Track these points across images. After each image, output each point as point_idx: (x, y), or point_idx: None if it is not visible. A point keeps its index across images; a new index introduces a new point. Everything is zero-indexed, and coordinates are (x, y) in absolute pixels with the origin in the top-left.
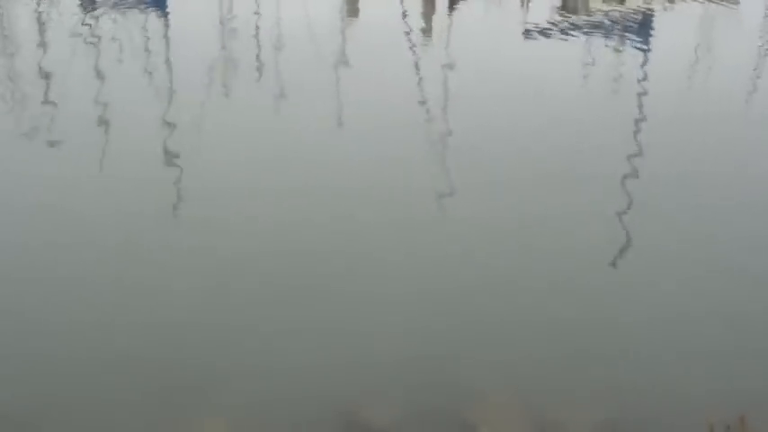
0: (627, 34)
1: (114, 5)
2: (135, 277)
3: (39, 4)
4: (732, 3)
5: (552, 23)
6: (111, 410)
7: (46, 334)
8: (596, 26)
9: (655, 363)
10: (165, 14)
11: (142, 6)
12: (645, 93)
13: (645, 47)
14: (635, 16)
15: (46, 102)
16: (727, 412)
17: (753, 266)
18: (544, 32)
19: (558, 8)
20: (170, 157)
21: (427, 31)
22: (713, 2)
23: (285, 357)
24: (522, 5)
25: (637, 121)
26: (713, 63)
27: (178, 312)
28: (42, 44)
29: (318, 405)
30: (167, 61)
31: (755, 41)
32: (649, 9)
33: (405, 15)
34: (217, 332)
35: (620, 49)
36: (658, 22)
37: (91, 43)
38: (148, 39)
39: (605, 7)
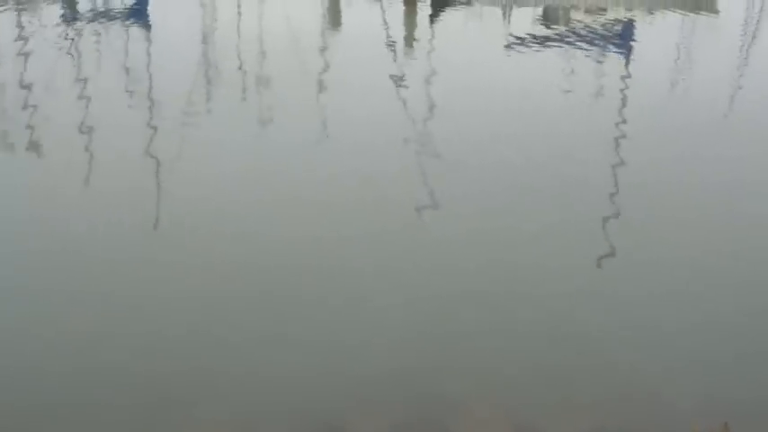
0: (608, 45)
1: (96, 17)
2: (117, 290)
3: (20, 16)
4: (712, 12)
5: (534, 34)
6: (96, 423)
7: (29, 346)
8: (578, 37)
9: (638, 372)
10: (147, 26)
11: (124, 18)
12: (626, 103)
13: (626, 57)
14: (616, 27)
15: (25, 114)
16: (710, 420)
17: (735, 275)
18: (526, 43)
19: (539, 19)
20: (152, 169)
21: (409, 42)
22: (694, 12)
23: (270, 371)
24: (504, 17)
25: (619, 132)
26: (694, 72)
27: (162, 325)
28: (23, 56)
29: (303, 419)
30: (149, 73)
31: (736, 50)
32: (630, 19)
33: (387, 27)
34: (200, 345)
35: (602, 59)
36: (640, 32)
37: (72, 55)
38: (130, 51)
39: (587, 18)
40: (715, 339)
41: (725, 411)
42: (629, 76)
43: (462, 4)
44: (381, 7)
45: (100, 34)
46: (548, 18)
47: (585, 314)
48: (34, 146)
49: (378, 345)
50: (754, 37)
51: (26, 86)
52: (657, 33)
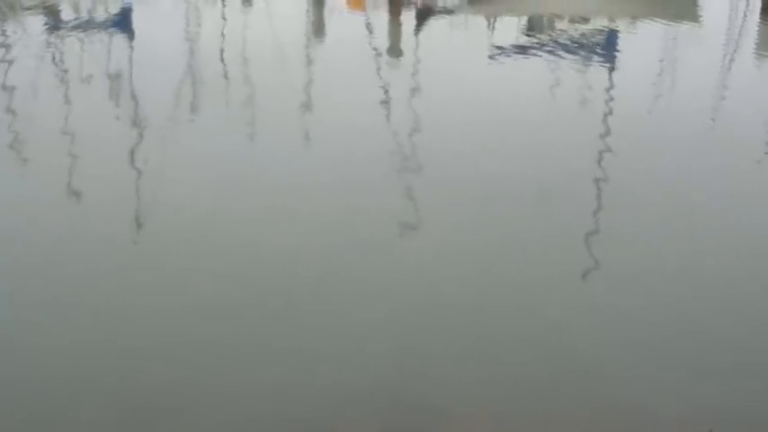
0: (592, 54)
1: (79, 27)
2: (99, 299)
3: (2, 26)
4: (694, 21)
5: (518, 44)
6: None
7: (13, 357)
8: (562, 46)
9: (623, 381)
10: (131, 36)
11: (107, 28)
12: (610, 113)
13: (610, 66)
14: (600, 36)
15: (7, 122)
16: (696, 429)
17: (721, 285)
18: (510, 53)
19: (523, 29)
20: (135, 179)
21: (394, 52)
22: (676, 21)
23: (255, 380)
24: (488, 26)
25: (602, 142)
26: (677, 82)
27: (146, 334)
28: (6, 64)
29: (289, 428)
30: (132, 83)
31: (719, 60)
32: (613, 28)
33: (371, 35)
34: (184, 355)
35: (586, 68)
36: (623, 42)
37: (55, 64)
38: (113, 60)
39: (570, 27)
40: (700, 348)
41: (710, 420)
42: (612, 85)
43: (446, 13)
44: (366, 18)
45: (83, 43)
46: (532, 28)
47: (569, 325)
48: (16, 154)
49: (363, 354)
50: (736, 46)
51: (7, 94)
52: (640, 43)
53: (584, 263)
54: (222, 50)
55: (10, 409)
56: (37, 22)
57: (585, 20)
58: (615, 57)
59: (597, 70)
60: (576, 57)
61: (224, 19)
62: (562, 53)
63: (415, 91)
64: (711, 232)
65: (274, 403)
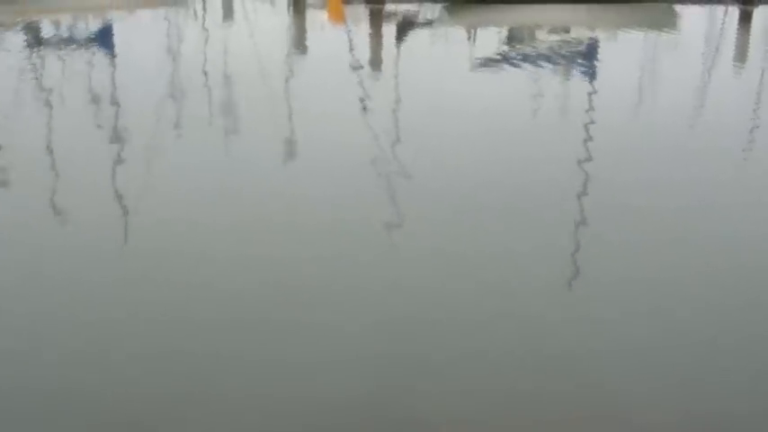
0: (572, 63)
1: (60, 44)
2: (87, 314)
3: None
4: (674, 29)
5: (500, 55)
6: None
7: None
8: (542, 56)
9: (614, 391)
10: (112, 53)
11: (88, 46)
12: (591, 122)
13: (591, 75)
14: (580, 46)
15: None
16: None
17: (708, 294)
18: (491, 63)
19: (504, 40)
20: (118, 194)
21: (375, 64)
22: (655, 30)
23: (236, 391)
24: (470, 38)
25: (584, 151)
26: (657, 89)
27: (128, 347)
28: None
29: None
30: (114, 100)
31: (697, 67)
32: (593, 38)
33: (352, 48)
34: (166, 368)
35: (567, 77)
36: (603, 51)
37: (37, 82)
38: (94, 76)
39: (551, 37)
40: (687, 357)
41: (697, 428)
42: (592, 94)
43: (427, 25)
44: (347, 30)
45: (64, 61)
46: (513, 38)
47: (556, 334)
48: None
49: (348, 366)
50: (715, 53)
51: None
52: (620, 51)
53: (568, 272)
54: (204, 65)
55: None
56: (17, 39)
57: (566, 30)
58: (595, 66)
59: (578, 80)
60: (557, 66)
61: (206, 34)
62: (543, 63)
63: (396, 102)
64: (694, 240)
65: (259, 416)
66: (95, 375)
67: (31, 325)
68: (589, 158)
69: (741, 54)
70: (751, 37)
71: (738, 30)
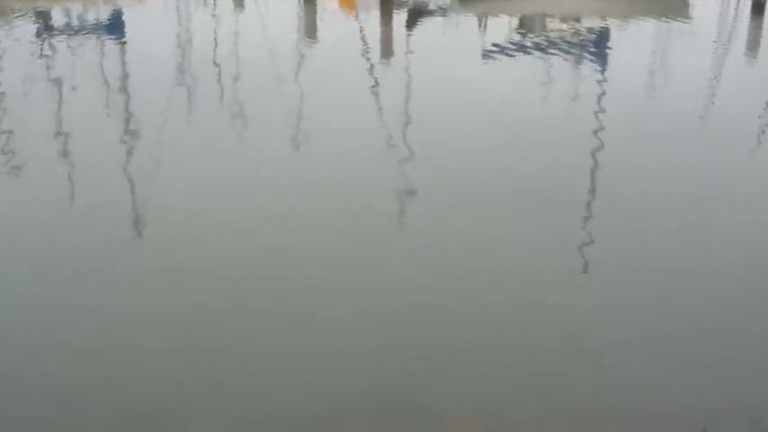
0: (583, 52)
1: (71, 32)
2: (97, 301)
3: None
4: (685, 19)
5: (510, 43)
6: None
7: (9, 358)
8: (553, 45)
9: (617, 380)
10: (122, 40)
11: (99, 33)
12: (602, 110)
13: (601, 64)
14: (591, 35)
15: (2, 128)
16: (689, 427)
17: (715, 282)
18: (502, 52)
19: (515, 28)
20: (129, 181)
21: (386, 52)
22: (667, 19)
23: (246, 381)
24: (480, 26)
25: (595, 139)
26: (669, 79)
27: (143, 336)
28: None
29: (285, 426)
30: (125, 87)
31: (709, 56)
32: (605, 27)
33: (363, 36)
34: (177, 357)
35: (577, 66)
36: (614, 40)
37: (48, 69)
38: (105, 65)
39: (562, 26)
40: (693, 345)
41: (704, 416)
42: (603, 83)
43: (438, 13)
44: (357, 18)
45: (74, 48)
46: (524, 27)
47: (563, 323)
48: (10, 159)
49: (355, 354)
50: (726, 43)
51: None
52: (631, 41)
53: (577, 260)
54: (214, 53)
55: (10, 411)
56: (28, 27)
57: (577, 19)
58: (606, 55)
59: (589, 69)
60: (568, 55)
61: (216, 21)
62: (554, 52)
63: (407, 91)
64: (704, 228)
65: (269, 403)
66: (108, 364)
67: (43, 313)
68: (599, 146)
69: (753, 44)
70: (763, 28)
71: (751, 20)
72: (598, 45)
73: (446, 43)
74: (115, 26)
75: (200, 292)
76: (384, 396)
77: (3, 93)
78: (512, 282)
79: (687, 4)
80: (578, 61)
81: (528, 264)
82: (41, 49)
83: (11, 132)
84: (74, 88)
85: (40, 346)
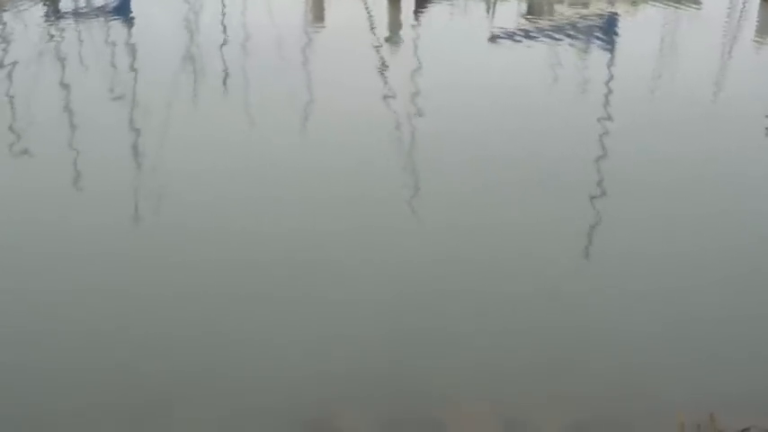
0: (592, 37)
1: (79, 15)
2: (103, 287)
3: (2, 14)
4: (695, 5)
5: (518, 28)
6: (78, 424)
7: (13, 344)
8: (562, 30)
9: (625, 365)
10: (131, 23)
11: (107, 15)
12: (611, 96)
13: (610, 49)
14: (599, 20)
15: (10, 112)
16: (696, 411)
17: (721, 269)
18: (510, 37)
19: (523, 13)
20: (137, 166)
21: (393, 36)
22: (675, 4)
23: (256, 366)
24: (488, 11)
25: (603, 125)
26: (678, 65)
27: (146, 322)
28: (5, 53)
29: (290, 414)
30: (133, 70)
31: (719, 42)
32: (613, 12)
33: (370, 21)
34: (185, 342)
35: (586, 52)
36: (622, 25)
37: (56, 52)
38: (113, 47)
39: (570, 11)
40: (701, 332)
41: (711, 402)
42: (612, 69)
43: None
44: (365, 2)
45: (83, 32)
46: (532, 11)
47: (571, 309)
48: (19, 143)
49: (365, 339)
50: (736, 29)
51: (7, 82)
52: (640, 26)
53: (585, 246)
54: (221, 36)
55: (14, 398)
56: (36, 12)
57: (585, 4)
58: (615, 40)
59: (597, 54)
60: (576, 41)
61: (223, 5)
62: (562, 37)
63: (415, 75)
64: (715, 213)
65: (272, 389)
66: (117, 349)
67: (51, 300)
68: (607, 132)
69: (763, 29)
70: None
71: (760, 5)
72: (606, 31)
73: (454, 27)
74: (123, 8)
75: (209, 278)
76: (395, 380)
77: (11, 75)
78: (522, 267)
79: None
80: (586, 47)
81: (538, 249)
82: (50, 32)
83: (18, 115)
84: (81, 70)
85: (43, 334)
